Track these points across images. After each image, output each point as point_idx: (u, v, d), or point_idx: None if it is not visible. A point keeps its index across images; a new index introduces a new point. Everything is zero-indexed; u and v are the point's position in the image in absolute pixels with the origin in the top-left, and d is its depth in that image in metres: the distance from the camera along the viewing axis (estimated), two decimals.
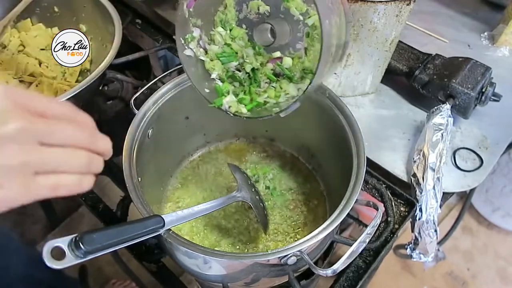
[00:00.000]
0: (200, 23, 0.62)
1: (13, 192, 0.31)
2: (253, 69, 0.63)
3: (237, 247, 0.73)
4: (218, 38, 0.63)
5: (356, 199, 0.58)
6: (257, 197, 0.69)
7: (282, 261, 0.54)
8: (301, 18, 0.58)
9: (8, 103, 0.30)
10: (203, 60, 0.64)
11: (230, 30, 0.63)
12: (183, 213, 0.56)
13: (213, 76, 0.64)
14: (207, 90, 0.64)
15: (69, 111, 0.35)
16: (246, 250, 0.73)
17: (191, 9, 0.60)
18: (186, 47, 0.63)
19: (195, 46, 0.63)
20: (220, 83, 0.64)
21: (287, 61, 0.61)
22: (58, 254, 0.40)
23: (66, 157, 0.33)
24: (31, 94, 0.33)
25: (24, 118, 0.30)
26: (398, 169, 0.83)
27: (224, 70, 0.64)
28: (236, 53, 0.64)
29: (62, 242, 0.41)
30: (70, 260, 0.40)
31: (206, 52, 0.64)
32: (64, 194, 0.35)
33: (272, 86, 0.63)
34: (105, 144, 0.38)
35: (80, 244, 0.41)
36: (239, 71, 0.65)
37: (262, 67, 0.64)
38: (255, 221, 0.76)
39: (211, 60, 0.64)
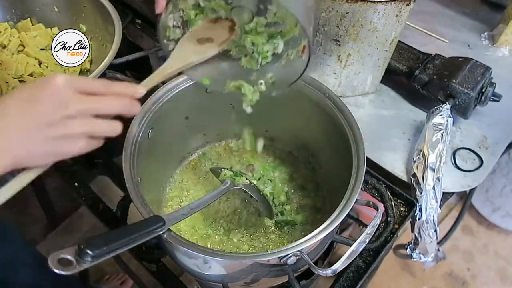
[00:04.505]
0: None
1: (81, 147, 0.46)
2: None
3: (245, 239, 0.74)
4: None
5: (356, 199, 0.58)
6: (251, 184, 0.71)
7: (282, 261, 0.54)
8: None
9: (69, 91, 0.44)
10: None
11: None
12: (182, 210, 0.57)
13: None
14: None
15: (106, 86, 0.49)
16: (254, 241, 0.74)
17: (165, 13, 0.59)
18: (169, 44, 0.61)
19: (173, 33, 0.62)
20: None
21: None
22: (65, 260, 0.41)
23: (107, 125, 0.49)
24: (82, 79, 0.47)
25: (80, 102, 0.45)
26: (398, 169, 0.83)
27: None
28: None
29: (67, 253, 0.41)
30: (77, 267, 0.41)
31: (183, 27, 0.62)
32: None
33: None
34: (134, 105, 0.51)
35: (86, 250, 0.41)
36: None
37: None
38: (256, 211, 0.77)
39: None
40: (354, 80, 0.93)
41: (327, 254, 0.82)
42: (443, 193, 0.77)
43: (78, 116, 0.45)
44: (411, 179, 0.79)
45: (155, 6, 0.56)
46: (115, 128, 0.50)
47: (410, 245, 0.81)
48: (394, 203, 0.78)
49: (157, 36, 0.60)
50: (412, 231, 0.79)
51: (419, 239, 0.78)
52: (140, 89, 0.52)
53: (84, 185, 0.85)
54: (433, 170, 0.76)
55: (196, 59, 0.60)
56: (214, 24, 0.61)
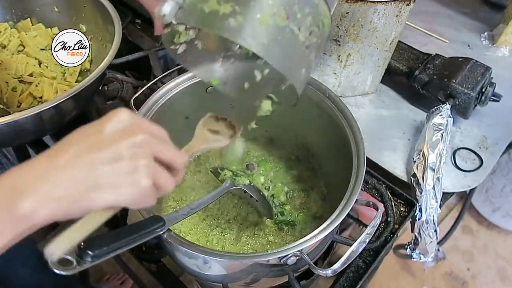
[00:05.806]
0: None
1: (144, 185, 0.39)
2: None
3: (246, 239, 0.74)
4: None
5: (356, 199, 0.58)
6: (251, 184, 0.71)
7: (282, 261, 0.54)
8: None
9: (134, 120, 0.41)
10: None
11: None
12: (182, 210, 0.57)
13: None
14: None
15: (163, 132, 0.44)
16: (255, 240, 0.74)
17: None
18: (178, 48, 0.61)
19: (185, 35, 0.61)
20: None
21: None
22: (65, 260, 0.40)
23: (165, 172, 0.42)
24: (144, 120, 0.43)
25: (145, 131, 0.41)
26: (398, 169, 0.83)
27: None
28: None
29: (68, 254, 0.41)
30: (78, 267, 0.41)
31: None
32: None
33: None
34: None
35: (86, 250, 0.41)
36: None
37: None
38: (256, 211, 0.77)
39: None
40: (354, 80, 0.93)
41: (327, 254, 0.82)
42: (443, 193, 0.77)
43: (144, 146, 0.40)
44: (411, 179, 0.79)
45: (154, 28, 0.55)
46: (172, 183, 0.43)
47: (410, 245, 0.81)
48: (394, 203, 0.78)
49: (160, 41, 0.59)
50: (412, 231, 0.79)
51: (419, 239, 0.78)
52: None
53: None
54: (433, 170, 0.76)
55: (212, 145, 0.62)
56: (217, 122, 0.64)
